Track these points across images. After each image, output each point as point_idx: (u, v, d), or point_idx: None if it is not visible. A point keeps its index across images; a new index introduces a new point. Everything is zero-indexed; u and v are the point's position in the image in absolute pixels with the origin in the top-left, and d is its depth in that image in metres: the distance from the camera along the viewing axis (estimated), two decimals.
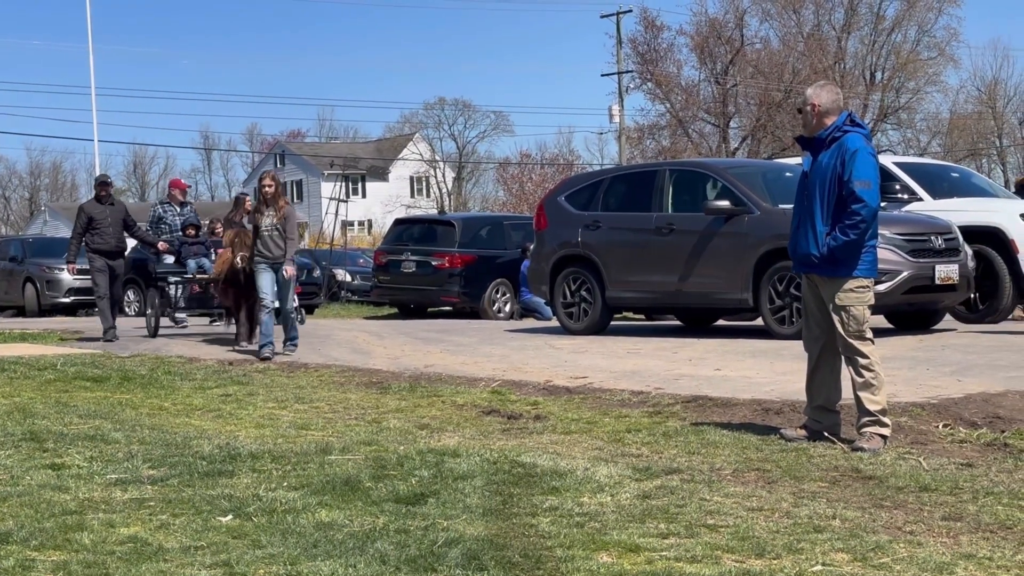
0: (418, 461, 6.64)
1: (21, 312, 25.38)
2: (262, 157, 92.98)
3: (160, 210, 17.71)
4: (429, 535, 5.02)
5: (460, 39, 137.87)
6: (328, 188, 65.57)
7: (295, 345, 13.30)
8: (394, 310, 24.36)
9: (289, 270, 13.11)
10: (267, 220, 13.24)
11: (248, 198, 19.70)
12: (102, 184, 16.06)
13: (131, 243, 17.93)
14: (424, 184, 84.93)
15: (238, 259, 13.57)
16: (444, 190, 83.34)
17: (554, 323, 16.34)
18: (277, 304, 13.16)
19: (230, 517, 5.41)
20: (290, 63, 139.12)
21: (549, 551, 4.80)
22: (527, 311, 21.40)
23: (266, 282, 13.09)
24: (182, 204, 17.81)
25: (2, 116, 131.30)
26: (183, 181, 19.14)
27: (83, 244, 15.59)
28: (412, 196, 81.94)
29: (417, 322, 19.78)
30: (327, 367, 11.74)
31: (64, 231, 54.96)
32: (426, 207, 73.27)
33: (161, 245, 16.37)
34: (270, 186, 13.33)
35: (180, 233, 16.82)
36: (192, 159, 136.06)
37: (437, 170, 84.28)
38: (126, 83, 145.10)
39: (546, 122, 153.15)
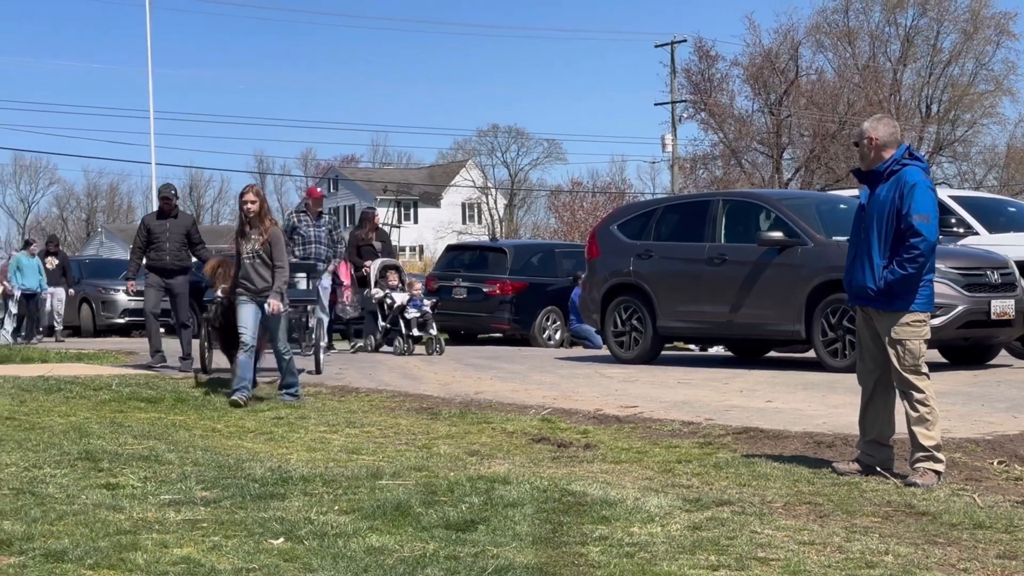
0: (468, 488, 6.65)
1: (77, 332, 25.68)
2: (316, 182, 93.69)
3: (295, 219, 16.10)
4: (479, 562, 5.03)
5: (514, 67, 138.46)
6: (381, 214, 66.02)
7: (293, 395, 11.24)
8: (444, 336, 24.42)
9: (273, 304, 10.99)
10: (248, 245, 11.22)
11: (376, 213, 19.27)
12: (164, 196, 14.90)
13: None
14: (476, 211, 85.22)
15: (218, 293, 12.03)
16: (496, 217, 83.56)
17: (604, 352, 16.32)
18: (254, 343, 11.18)
19: (282, 540, 5.44)
20: (345, 89, 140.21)
21: None
22: (577, 339, 21.39)
23: (245, 316, 11.11)
24: (319, 215, 16.10)
25: (62, 139, 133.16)
26: (319, 189, 17.50)
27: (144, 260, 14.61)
28: (464, 223, 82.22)
29: (467, 348, 19.82)
30: (378, 392, 11.78)
31: (120, 252, 55.56)
32: (477, 234, 73.45)
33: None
34: (253, 202, 11.28)
35: (317, 246, 15.71)
36: (247, 182, 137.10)
37: (489, 197, 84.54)
38: (183, 107, 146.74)
39: (598, 150, 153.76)
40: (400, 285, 17.49)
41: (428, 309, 17.28)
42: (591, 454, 8.17)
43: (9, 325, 23.94)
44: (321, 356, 13.67)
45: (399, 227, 49.08)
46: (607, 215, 18.38)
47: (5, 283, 23.47)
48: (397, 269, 17.97)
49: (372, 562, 5.02)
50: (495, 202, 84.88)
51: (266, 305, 11.00)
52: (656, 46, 59.40)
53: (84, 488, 6.69)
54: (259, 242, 11.15)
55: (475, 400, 11.03)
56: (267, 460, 7.72)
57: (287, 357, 11.25)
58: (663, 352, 15.45)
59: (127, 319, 25.03)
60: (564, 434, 9.03)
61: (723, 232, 14.26)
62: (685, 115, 59.12)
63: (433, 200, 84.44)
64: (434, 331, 17.27)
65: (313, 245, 15.70)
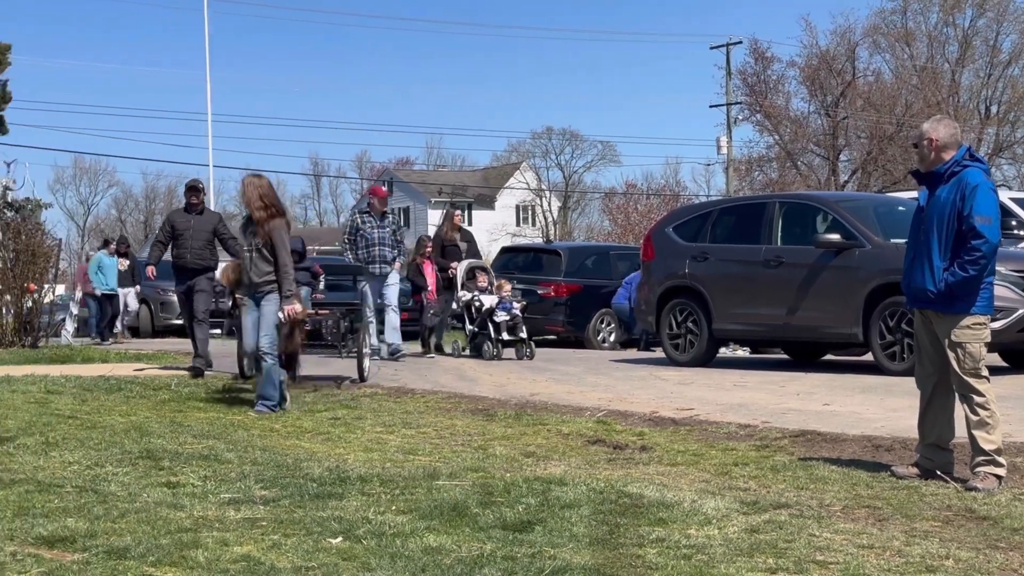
0: (525, 489, 6.66)
1: (135, 333, 25.98)
2: (370, 184, 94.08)
3: (358, 220, 15.80)
4: (536, 563, 5.04)
5: (569, 69, 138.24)
6: (435, 216, 66.15)
7: (266, 407, 10.36)
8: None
9: (288, 309, 10.29)
10: (250, 239, 10.56)
11: (457, 212, 18.65)
12: (191, 190, 14.13)
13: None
14: (530, 213, 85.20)
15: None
16: (550, 219, 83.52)
17: (659, 354, 16.28)
18: (271, 349, 10.38)
19: (340, 539, 5.48)
20: (400, 91, 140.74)
21: None
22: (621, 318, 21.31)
23: (246, 323, 10.60)
24: (383, 215, 15.78)
25: (120, 141, 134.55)
26: (383, 188, 17.17)
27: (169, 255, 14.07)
28: (518, 225, 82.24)
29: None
30: (434, 393, 11.83)
31: None
32: (532, 236, 73.49)
33: None
34: (251, 187, 10.61)
35: (381, 248, 15.50)
36: (302, 185, 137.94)
37: (543, 199, 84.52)
38: (240, 109, 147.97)
39: (653, 153, 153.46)
40: (488, 287, 16.92)
41: (518, 312, 16.63)
42: (647, 456, 8.16)
43: (71, 326, 24.25)
44: (366, 364, 13.00)
45: None
46: (662, 217, 18.33)
47: (86, 284, 23.63)
48: (485, 270, 17.37)
49: (430, 562, 5.04)
50: (549, 204, 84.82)
51: (280, 312, 10.30)
52: (711, 48, 58.98)
53: (145, 486, 6.77)
54: (260, 235, 10.43)
55: (531, 402, 11.05)
56: (325, 460, 7.78)
57: (269, 361, 10.35)
58: (718, 355, 15.39)
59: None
60: (620, 436, 9.03)
61: (779, 234, 14.19)
62: (740, 117, 58.84)
63: (487, 202, 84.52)
64: (524, 334, 16.60)
65: (377, 247, 15.48)
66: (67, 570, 4.88)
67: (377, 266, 15.55)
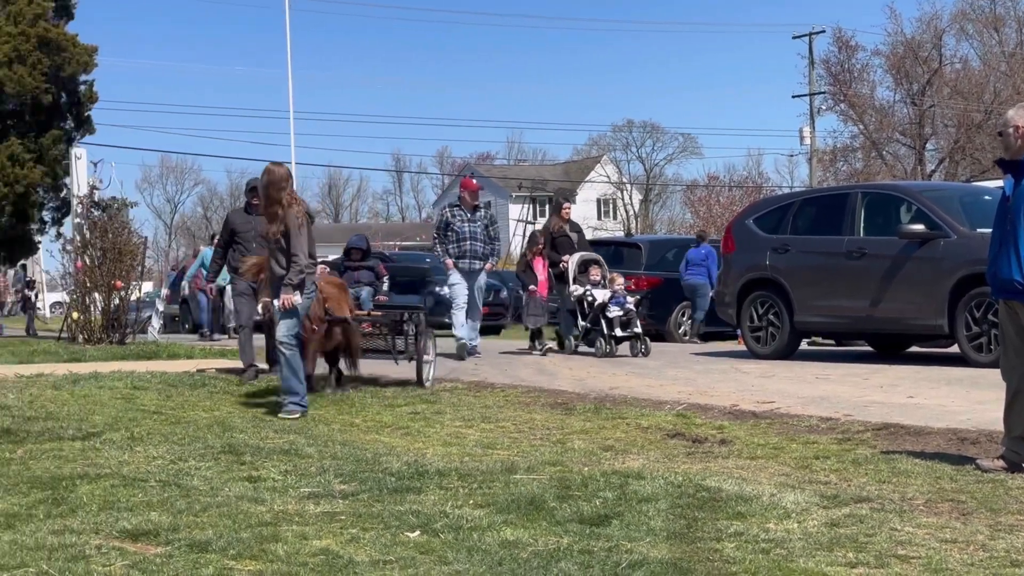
0: (602, 482, 6.64)
1: (220, 330, 26.27)
2: (451, 179, 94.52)
3: (448, 214, 15.36)
4: (613, 556, 5.02)
5: (649, 61, 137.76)
6: (516, 210, 66.24)
7: (295, 405, 9.93)
8: None
9: (284, 298, 9.87)
10: (268, 232, 10.26)
11: (567, 204, 17.63)
12: (252, 190, 12.75)
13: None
14: (611, 206, 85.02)
15: (259, 308, 11.11)
16: (631, 212, 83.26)
17: (740, 347, 16.16)
18: (290, 348, 9.98)
19: (418, 533, 5.50)
20: (480, 86, 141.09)
21: None
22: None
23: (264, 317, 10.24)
24: (474, 208, 15.35)
25: (206, 140, 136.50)
26: (474, 181, 16.48)
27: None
28: (599, 218, 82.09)
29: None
30: (513, 387, 11.84)
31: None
32: (613, 229, 73.28)
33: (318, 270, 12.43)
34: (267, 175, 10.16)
35: (472, 243, 15.11)
36: (384, 181, 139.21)
37: (624, 192, 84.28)
38: (322, 107, 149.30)
39: (735, 144, 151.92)
40: (601, 281, 16.27)
41: (632, 307, 15.95)
42: (726, 450, 8.10)
43: (157, 322, 24.60)
44: (425, 370, 12.14)
45: (534, 223, 49.12)
46: (743, 210, 18.19)
47: (197, 280, 23.78)
48: (598, 263, 16.61)
49: (507, 555, 5.05)
50: (630, 197, 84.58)
51: (276, 301, 9.95)
52: (794, 37, 58.26)
53: (227, 481, 6.85)
54: (276, 226, 10.03)
55: (610, 395, 11.02)
56: (404, 454, 7.82)
57: (286, 352, 9.92)
58: (800, 347, 15.24)
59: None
60: (699, 430, 8.97)
61: (862, 225, 14.03)
62: (824, 107, 58.29)
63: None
64: (638, 330, 15.95)
65: (468, 242, 15.12)
66: (150, 563, 4.95)
67: (468, 262, 15.22)
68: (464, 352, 15.24)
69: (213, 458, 7.63)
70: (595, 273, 16.28)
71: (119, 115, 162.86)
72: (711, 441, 8.45)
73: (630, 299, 16.10)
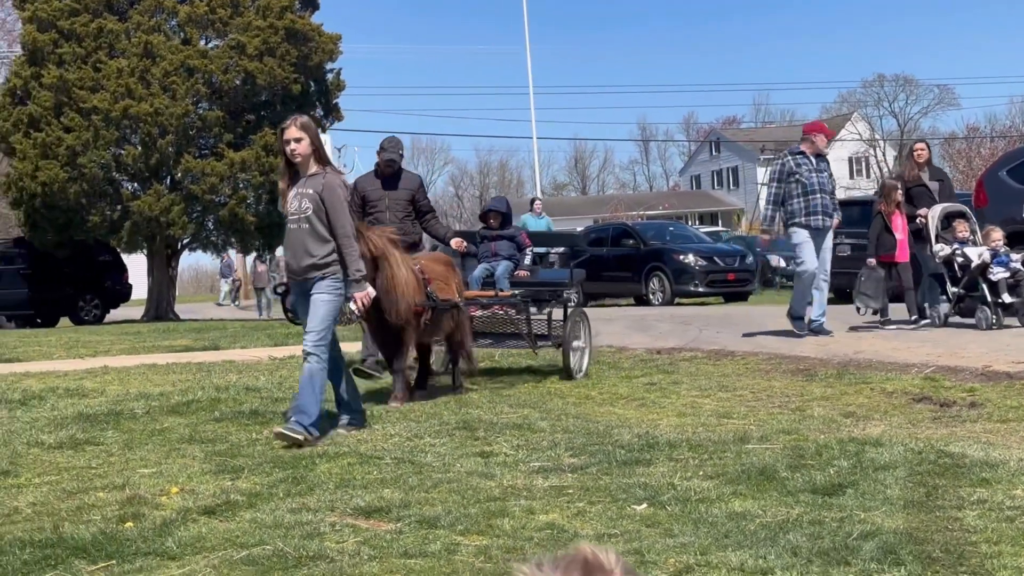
0: (837, 451, 6.43)
1: None
2: (698, 146, 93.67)
3: (791, 162, 12.99)
4: (844, 527, 4.85)
5: (900, 11, 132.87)
6: (762, 174, 65.11)
7: (300, 426, 7.41)
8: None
9: (359, 298, 7.82)
10: (295, 203, 7.74)
11: (920, 145, 14.56)
12: (386, 148, 11.02)
13: None
14: (864, 165, 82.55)
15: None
16: (885, 170, 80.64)
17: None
18: (318, 351, 7.61)
19: (644, 505, 5.44)
20: (725, 49, 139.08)
21: (973, 547, 4.51)
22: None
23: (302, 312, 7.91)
24: (818, 156, 13.06)
25: (454, 120, 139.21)
26: (826, 126, 14.08)
27: None
28: (851, 177, 79.83)
29: (848, 307, 19.19)
30: (753, 354, 11.62)
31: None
32: (866, 188, 71.14)
33: (455, 242, 11.11)
34: (299, 140, 7.63)
35: (822, 196, 12.86)
36: (630, 151, 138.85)
37: (877, 149, 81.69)
38: (565, 80, 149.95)
39: (996, 92, 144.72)
40: (971, 236, 13.47)
41: (1021, 267, 13.06)
42: (975, 413, 7.73)
43: None
44: (573, 359, 10.78)
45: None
46: (995, 160, 17.33)
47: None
48: (965, 216, 13.71)
49: (733, 527, 4.94)
50: (884, 154, 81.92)
51: (351, 303, 7.82)
52: None
53: (459, 456, 6.93)
54: (309, 198, 7.67)
55: (854, 360, 10.67)
56: (636, 426, 7.76)
57: (313, 364, 7.61)
58: None
59: None
60: (948, 393, 8.59)
61: None
62: None
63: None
64: None
65: (818, 194, 12.87)
66: (381, 539, 5.05)
67: (819, 218, 12.87)
68: (818, 334, 13.02)
69: (448, 434, 7.74)
70: (962, 229, 13.50)
71: (363, 100, 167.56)
72: (960, 404, 8.09)
73: (1016, 257, 13.17)
